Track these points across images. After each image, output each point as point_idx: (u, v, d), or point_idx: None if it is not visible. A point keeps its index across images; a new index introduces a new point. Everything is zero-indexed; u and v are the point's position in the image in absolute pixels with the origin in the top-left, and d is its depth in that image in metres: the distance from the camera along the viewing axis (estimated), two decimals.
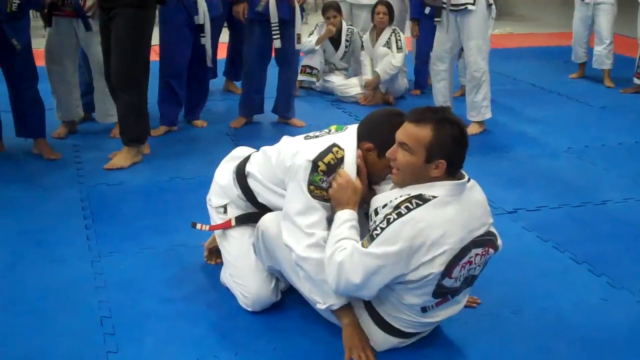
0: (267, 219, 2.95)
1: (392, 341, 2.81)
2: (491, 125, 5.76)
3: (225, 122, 5.78)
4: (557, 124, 6.01)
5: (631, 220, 4.14)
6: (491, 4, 5.65)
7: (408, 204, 2.53)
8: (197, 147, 5.21)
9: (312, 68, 6.79)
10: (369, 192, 2.88)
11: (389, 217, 2.54)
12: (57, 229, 3.86)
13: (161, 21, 5.45)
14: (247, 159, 3.23)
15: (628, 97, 6.89)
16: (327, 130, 2.98)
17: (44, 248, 3.64)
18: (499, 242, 2.76)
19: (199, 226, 3.35)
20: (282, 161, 2.92)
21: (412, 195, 2.57)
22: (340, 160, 2.78)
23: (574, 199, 4.40)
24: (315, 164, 2.75)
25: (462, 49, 5.73)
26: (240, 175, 3.18)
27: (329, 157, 2.76)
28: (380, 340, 2.80)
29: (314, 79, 6.84)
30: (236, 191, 3.19)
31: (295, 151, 2.86)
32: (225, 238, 3.22)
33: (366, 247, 2.55)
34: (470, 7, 5.33)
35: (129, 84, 4.65)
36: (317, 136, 2.95)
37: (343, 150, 2.80)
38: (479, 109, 5.60)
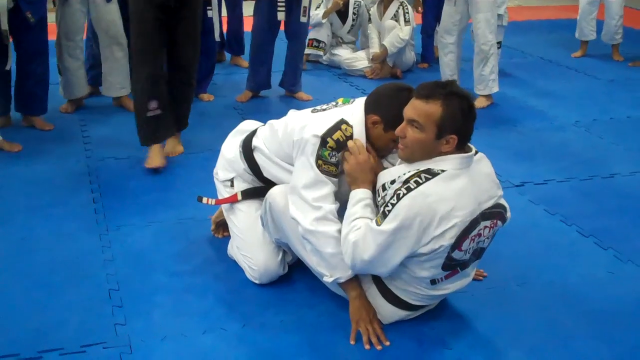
0: (275, 192, 2.95)
1: (400, 314, 2.82)
2: (499, 99, 5.73)
3: (232, 96, 5.77)
4: (565, 98, 5.99)
5: (638, 193, 4.13)
6: None
7: (417, 179, 2.53)
8: (205, 121, 5.21)
9: (319, 41, 6.76)
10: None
11: (398, 192, 2.53)
12: (65, 203, 3.87)
13: None
14: (254, 132, 3.23)
15: (636, 70, 6.85)
16: (334, 103, 2.97)
17: (53, 222, 3.66)
18: (508, 214, 2.76)
19: (205, 200, 3.36)
20: (290, 135, 2.91)
21: (420, 169, 2.56)
22: (350, 137, 2.78)
23: (582, 173, 4.39)
24: (324, 139, 2.75)
25: None
26: (247, 149, 3.18)
27: (337, 134, 2.76)
28: (388, 312, 2.82)
29: (321, 52, 6.81)
30: (242, 165, 3.20)
31: (303, 125, 2.85)
32: (233, 211, 3.23)
33: (379, 224, 2.55)
34: None
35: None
36: (324, 109, 2.94)
37: (352, 127, 2.79)
38: (486, 83, 5.57)
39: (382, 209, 2.59)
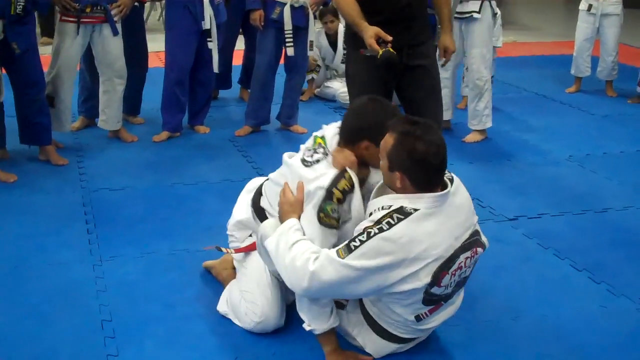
0: (267, 224, 2.92)
1: (391, 347, 2.82)
2: (493, 133, 5.76)
3: (228, 129, 5.78)
4: (559, 132, 6.02)
5: (631, 228, 4.14)
6: (496, 13, 5.67)
7: (389, 219, 2.51)
8: (200, 153, 5.23)
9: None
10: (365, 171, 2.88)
11: (369, 230, 2.51)
12: (59, 233, 3.87)
13: (167, 27, 5.47)
14: (260, 192, 3.16)
15: (630, 106, 6.89)
16: (320, 150, 2.88)
17: (46, 252, 3.66)
18: (483, 238, 2.75)
19: (224, 250, 3.27)
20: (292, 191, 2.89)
21: (393, 209, 2.54)
22: (352, 190, 2.72)
23: (575, 207, 4.41)
24: (329, 192, 2.68)
25: None
26: (258, 210, 3.13)
27: (342, 184, 2.69)
28: (379, 346, 2.81)
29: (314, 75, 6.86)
30: (257, 226, 3.08)
31: (303, 179, 2.81)
32: (247, 255, 3.17)
33: (342, 258, 2.50)
34: (475, 15, 5.35)
35: None
36: (317, 160, 2.84)
37: (353, 178, 2.73)
38: (480, 118, 5.60)
39: (347, 242, 2.55)
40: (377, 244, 2.48)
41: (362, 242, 2.50)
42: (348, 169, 2.74)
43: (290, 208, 2.75)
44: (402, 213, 2.52)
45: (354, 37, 3.71)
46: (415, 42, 3.77)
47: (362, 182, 2.82)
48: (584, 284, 3.50)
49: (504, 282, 3.40)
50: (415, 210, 2.52)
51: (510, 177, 4.94)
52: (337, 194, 2.68)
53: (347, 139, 2.83)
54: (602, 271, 3.58)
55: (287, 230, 2.67)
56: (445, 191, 2.60)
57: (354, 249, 2.50)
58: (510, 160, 5.32)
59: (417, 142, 2.52)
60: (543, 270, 3.61)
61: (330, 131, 2.93)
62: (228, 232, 3.31)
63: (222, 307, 3.15)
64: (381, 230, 2.49)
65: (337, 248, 2.56)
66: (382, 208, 2.58)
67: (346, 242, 2.56)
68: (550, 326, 3.11)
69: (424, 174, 2.57)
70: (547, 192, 4.66)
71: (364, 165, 2.86)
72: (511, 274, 3.48)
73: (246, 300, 3.02)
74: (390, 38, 3.43)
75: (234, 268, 3.27)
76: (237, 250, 3.20)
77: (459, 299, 2.84)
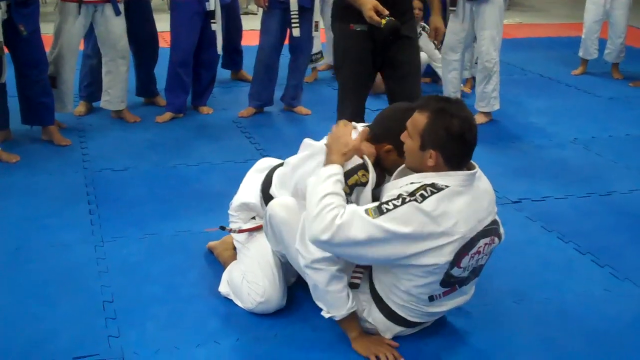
0: (274, 203, 2.87)
1: (396, 329, 2.81)
2: (498, 115, 5.73)
3: (232, 110, 5.76)
4: (565, 115, 5.98)
5: (636, 211, 4.12)
6: None
7: (423, 192, 2.51)
8: (203, 134, 5.21)
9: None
10: (382, 178, 2.84)
11: (404, 197, 2.51)
12: (62, 214, 3.86)
13: (172, 8, 5.44)
14: (270, 179, 3.12)
15: (636, 89, 6.84)
16: None
17: (48, 232, 3.65)
18: (501, 229, 2.76)
19: (227, 229, 3.25)
20: (303, 173, 2.86)
21: (426, 183, 2.55)
22: (364, 185, 2.71)
23: (580, 190, 4.39)
24: None
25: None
26: (267, 198, 3.09)
27: (353, 179, 2.69)
28: (384, 328, 2.80)
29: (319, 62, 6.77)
30: (264, 212, 3.06)
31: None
32: (251, 236, 3.17)
33: (372, 218, 2.48)
34: None
35: None
36: None
37: (369, 173, 2.72)
38: (488, 100, 5.56)
39: (377, 204, 2.53)
40: (410, 211, 2.48)
41: (395, 206, 2.49)
42: (368, 167, 2.72)
43: (342, 148, 2.69)
44: (435, 188, 2.52)
45: (342, 12, 3.89)
46: (402, 20, 3.81)
47: (378, 183, 2.78)
48: (588, 267, 3.48)
49: (507, 265, 3.38)
50: (447, 186, 2.53)
51: (515, 160, 4.92)
52: (344, 188, 2.65)
53: (374, 135, 2.81)
54: (606, 254, 3.57)
55: (326, 178, 2.61)
56: (474, 170, 2.62)
57: (386, 212, 2.49)
58: (514, 142, 5.29)
59: (453, 118, 2.54)
60: (547, 254, 3.59)
61: (362, 125, 2.92)
62: (230, 212, 3.29)
63: (223, 288, 3.14)
64: (415, 200, 2.49)
65: (365, 207, 2.53)
66: (412, 183, 2.57)
67: (376, 204, 2.54)
68: (554, 310, 3.10)
69: (460, 150, 2.58)
70: (552, 175, 4.64)
71: (381, 171, 2.81)
72: (514, 257, 3.46)
73: (248, 281, 3.01)
74: (387, 12, 3.61)
75: (234, 249, 3.26)
76: (241, 231, 3.19)
77: (471, 290, 2.84)
